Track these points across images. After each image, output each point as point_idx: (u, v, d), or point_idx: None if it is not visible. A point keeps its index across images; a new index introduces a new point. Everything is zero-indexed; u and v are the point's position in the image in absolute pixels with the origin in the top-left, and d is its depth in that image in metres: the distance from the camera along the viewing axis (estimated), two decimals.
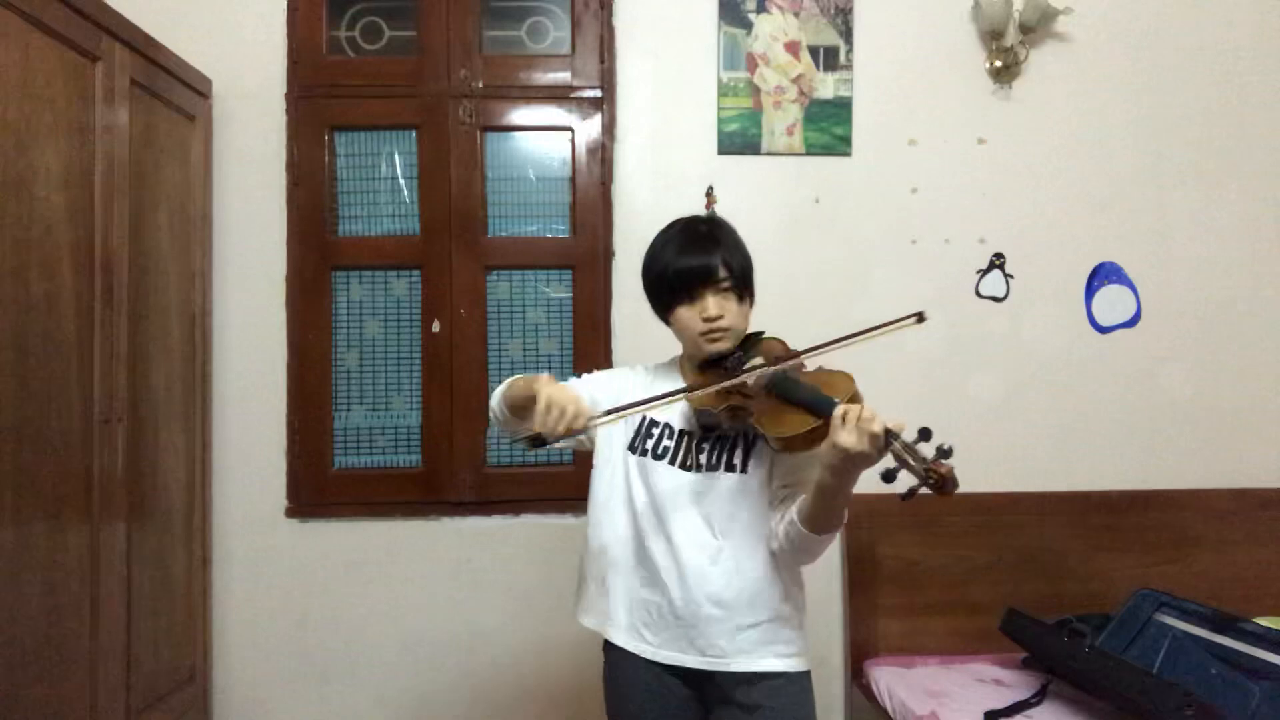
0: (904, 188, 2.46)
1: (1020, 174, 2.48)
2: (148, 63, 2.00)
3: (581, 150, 2.43)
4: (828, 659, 2.42)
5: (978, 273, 2.49)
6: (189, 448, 2.23)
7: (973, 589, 2.38)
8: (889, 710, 2.09)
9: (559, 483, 2.40)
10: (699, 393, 1.36)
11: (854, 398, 1.24)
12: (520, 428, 1.46)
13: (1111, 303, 2.51)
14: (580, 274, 2.43)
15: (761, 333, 1.49)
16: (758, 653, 1.40)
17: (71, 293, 1.72)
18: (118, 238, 1.87)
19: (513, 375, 1.53)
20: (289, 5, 2.38)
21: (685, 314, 1.41)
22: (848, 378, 1.31)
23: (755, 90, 2.44)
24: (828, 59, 2.45)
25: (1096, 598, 2.33)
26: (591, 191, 2.43)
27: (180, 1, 2.34)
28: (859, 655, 2.35)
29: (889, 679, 2.18)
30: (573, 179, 2.44)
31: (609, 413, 1.33)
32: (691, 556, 1.40)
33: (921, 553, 2.39)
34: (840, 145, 2.45)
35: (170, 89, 2.11)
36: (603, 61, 2.42)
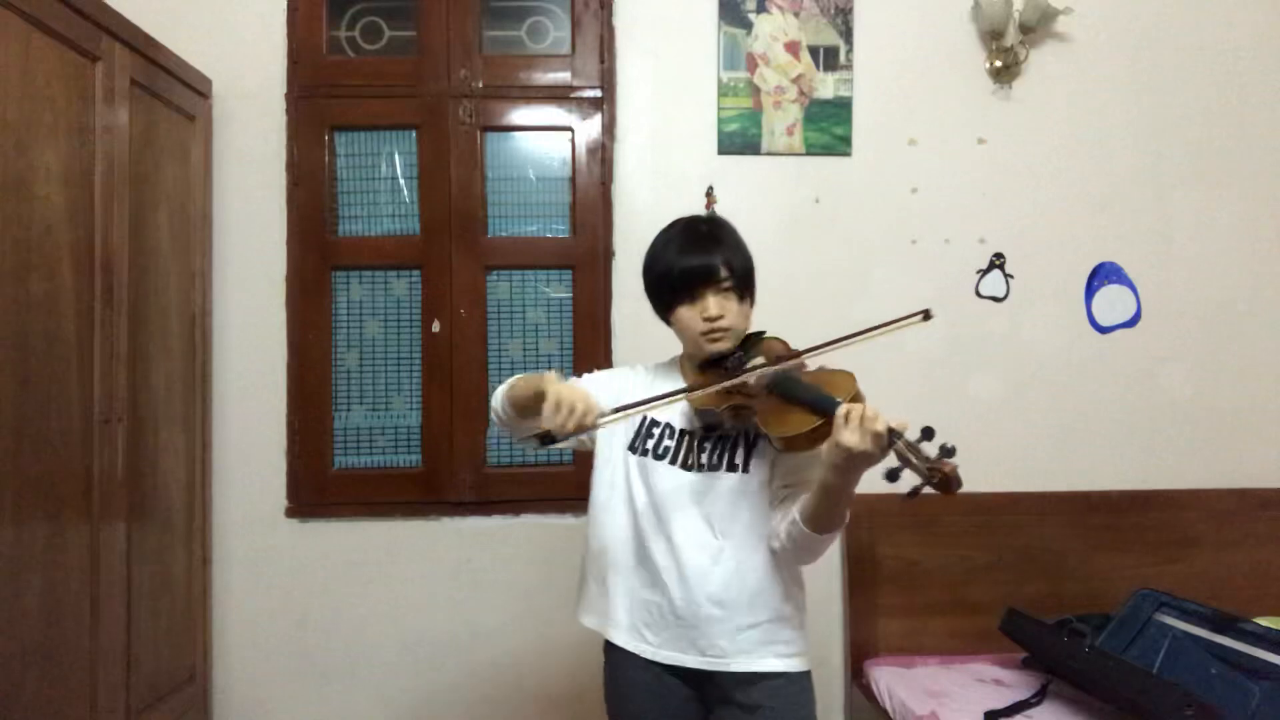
0: (904, 188, 2.46)
1: (1020, 174, 2.48)
2: (148, 63, 2.00)
3: (581, 150, 2.43)
4: (828, 659, 2.42)
5: (978, 273, 2.49)
6: (189, 448, 2.23)
7: (973, 589, 2.38)
8: (889, 710, 2.09)
9: (559, 483, 2.40)
10: (701, 392, 1.36)
11: (856, 397, 1.24)
12: (524, 426, 1.45)
13: (1111, 303, 2.51)
14: (580, 274, 2.43)
15: (762, 332, 1.49)
16: (758, 653, 1.40)
17: (71, 293, 1.72)
18: (118, 238, 1.87)
19: (513, 375, 1.53)
20: (289, 5, 2.38)
21: (686, 314, 1.41)
22: (849, 377, 1.31)
23: (755, 90, 2.44)
24: (828, 59, 2.45)
25: (1096, 598, 2.32)
26: (591, 191, 2.43)
27: (180, 1, 2.34)
28: (859, 655, 2.35)
29: (889, 679, 2.18)
30: (573, 179, 2.43)
31: (617, 410, 1.32)
32: (692, 557, 1.39)
33: (921, 553, 2.39)
34: (840, 145, 2.45)
35: (170, 89, 2.11)
36: (603, 61, 2.42)
